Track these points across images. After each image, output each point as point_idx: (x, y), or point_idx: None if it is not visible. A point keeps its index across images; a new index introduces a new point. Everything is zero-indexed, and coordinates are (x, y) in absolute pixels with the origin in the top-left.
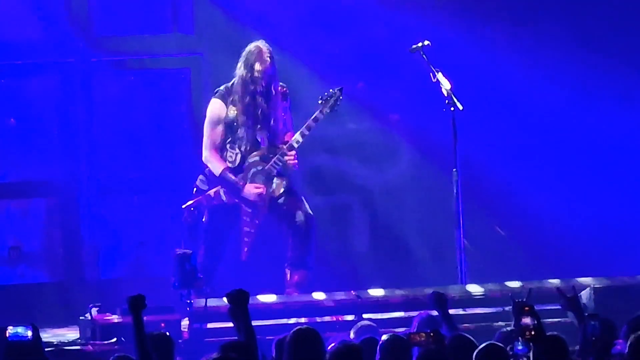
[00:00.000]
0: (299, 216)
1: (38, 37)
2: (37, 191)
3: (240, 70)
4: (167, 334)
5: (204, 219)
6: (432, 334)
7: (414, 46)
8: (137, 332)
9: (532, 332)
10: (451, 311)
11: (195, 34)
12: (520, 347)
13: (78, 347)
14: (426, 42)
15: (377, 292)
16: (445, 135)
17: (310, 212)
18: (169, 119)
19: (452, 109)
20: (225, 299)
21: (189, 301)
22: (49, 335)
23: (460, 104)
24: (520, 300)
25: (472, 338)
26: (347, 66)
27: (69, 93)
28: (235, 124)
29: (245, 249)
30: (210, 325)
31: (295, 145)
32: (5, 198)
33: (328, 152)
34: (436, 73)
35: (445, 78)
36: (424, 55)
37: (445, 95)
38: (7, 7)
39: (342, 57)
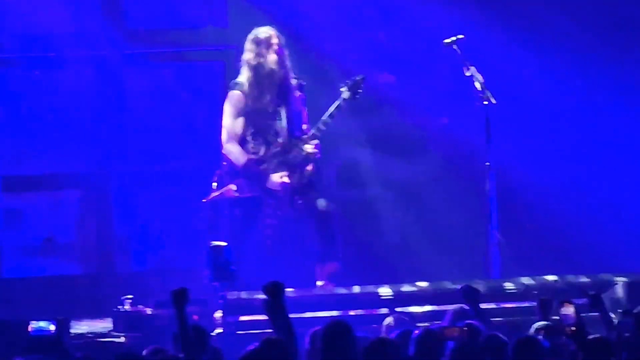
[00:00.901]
0: (321, 208)
1: (72, 30)
2: (70, 183)
3: (251, 58)
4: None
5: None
6: (466, 328)
7: (448, 40)
8: (180, 325)
9: (574, 328)
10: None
11: (230, 27)
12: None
13: (111, 339)
14: (460, 36)
15: (409, 286)
16: (479, 129)
17: (331, 203)
18: (202, 112)
19: (485, 103)
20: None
21: (222, 294)
22: (81, 327)
23: (494, 98)
24: (545, 297)
25: (505, 338)
26: (380, 59)
27: (103, 85)
28: (255, 114)
29: (268, 242)
30: (243, 318)
31: (318, 134)
32: (39, 190)
33: (360, 145)
34: (470, 67)
35: (479, 72)
36: (457, 49)
37: (479, 89)
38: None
39: (374, 50)
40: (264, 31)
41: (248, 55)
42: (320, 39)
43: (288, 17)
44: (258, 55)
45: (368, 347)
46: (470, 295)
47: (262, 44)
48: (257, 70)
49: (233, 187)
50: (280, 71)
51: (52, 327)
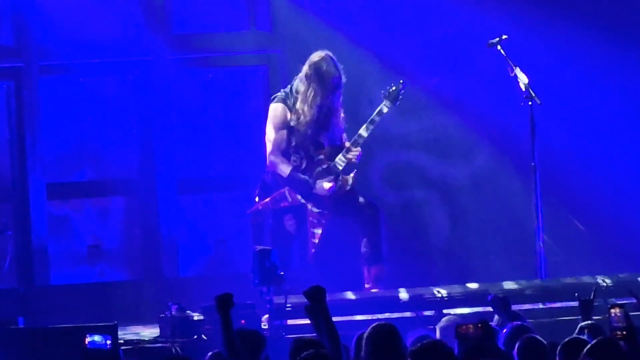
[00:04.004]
0: (366, 210)
1: (115, 36)
2: (116, 190)
3: (308, 79)
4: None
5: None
6: (480, 325)
7: (492, 40)
8: (225, 330)
9: (624, 332)
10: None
11: (273, 32)
12: None
13: (158, 345)
14: (504, 37)
15: (456, 287)
16: (524, 129)
17: (376, 205)
18: (246, 117)
19: (530, 103)
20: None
21: (269, 298)
22: (128, 333)
23: (539, 98)
24: (586, 298)
25: (541, 339)
26: (425, 61)
27: (147, 91)
28: (299, 129)
29: (313, 250)
30: (290, 322)
31: (360, 141)
32: (84, 197)
33: (405, 147)
34: (514, 67)
35: (523, 72)
36: (501, 50)
37: (524, 89)
38: (84, 6)
39: (419, 52)
40: (322, 55)
41: (305, 73)
42: (364, 42)
43: (331, 20)
44: (316, 80)
45: (420, 350)
46: (500, 305)
47: (323, 72)
48: (312, 94)
49: (277, 196)
50: (333, 95)
51: (108, 342)
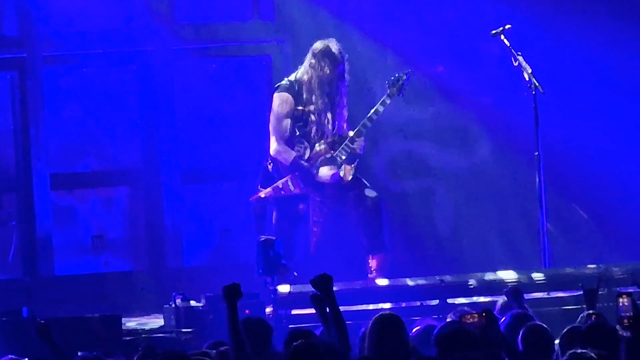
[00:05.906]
0: (368, 200)
1: (119, 26)
2: (120, 180)
3: (313, 68)
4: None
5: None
6: (484, 314)
7: (495, 30)
8: (231, 320)
9: (631, 320)
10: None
11: (276, 21)
12: None
13: (162, 335)
14: (507, 26)
15: (460, 277)
16: (527, 118)
17: (378, 194)
18: (250, 106)
19: (533, 92)
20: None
21: (272, 288)
22: (133, 324)
23: (542, 87)
24: (590, 287)
25: (546, 327)
26: (428, 50)
27: (151, 81)
28: (304, 118)
29: (314, 239)
30: (294, 312)
31: (364, 130)
32: (89, 187)
33: (410, 137)
34: (517, 57)
35: (527, 62)
36: (505, 39)
37: (527, 78)
38: None
39: (422, 41)
40: (327, 44)
41: (309, 62)
42: (367, 32)
43: (334, 9)
44: (320, 69)
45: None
46: (516, 296)
47: (328, 60)
48: (317, 83)
49: (280, 185)
50: (338, 84)
51: None
